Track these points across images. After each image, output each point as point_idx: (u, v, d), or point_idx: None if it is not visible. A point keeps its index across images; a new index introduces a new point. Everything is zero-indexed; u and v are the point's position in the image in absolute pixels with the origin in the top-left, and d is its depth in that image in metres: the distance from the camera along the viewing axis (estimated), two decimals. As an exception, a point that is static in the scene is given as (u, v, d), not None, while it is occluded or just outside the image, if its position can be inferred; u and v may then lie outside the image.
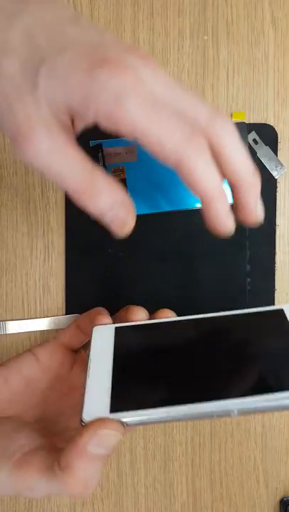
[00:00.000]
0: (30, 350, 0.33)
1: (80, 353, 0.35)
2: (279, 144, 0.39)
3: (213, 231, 0.25)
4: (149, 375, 0.25)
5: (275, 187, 0.40)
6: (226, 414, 0.22)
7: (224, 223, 0.24)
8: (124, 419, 0.23)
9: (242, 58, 0.39)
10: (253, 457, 0.40)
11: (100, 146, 0.37)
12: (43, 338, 0.40)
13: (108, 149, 0.37)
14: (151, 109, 0.22)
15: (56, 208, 0.40)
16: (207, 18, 0.39)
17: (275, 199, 0.40)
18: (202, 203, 0.24)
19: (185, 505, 0.41)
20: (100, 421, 0.23)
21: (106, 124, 0.22)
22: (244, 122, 0.38)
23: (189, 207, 0.38)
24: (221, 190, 0.23)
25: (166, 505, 0.40)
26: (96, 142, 0.38)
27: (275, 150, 0.39)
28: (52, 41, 0.22)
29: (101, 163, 0.37)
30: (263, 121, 0.40)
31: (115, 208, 0.23)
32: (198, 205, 0.37)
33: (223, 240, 0.39)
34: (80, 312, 0.39)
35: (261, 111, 0.40)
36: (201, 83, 0.39)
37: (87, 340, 0.35)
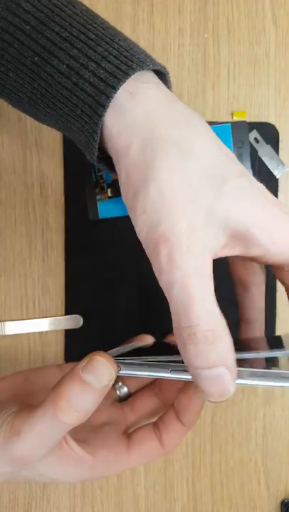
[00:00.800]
0: (59, 365, 0.32)
1: None
2: (280, 142, 0.39)
3: None
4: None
5: (277, 186, 0.39)
6: None
7: None
8: (118, 358, 0.24)
9: (243, 56, 0.39)
10: (254, 459, 0.40)
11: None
12: (42, 339, 0.40)
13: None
14: None
15: (55, 207, 0.39)
16: (208, 15, 0.39)
17: (277, 198, 0.39)
18: None
19: (185, 507, 0.40)
20: (96, 351, 0.24)
21: (278, 259, 0.24)
22: (245, 121, 0.38)
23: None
24: None
25: (166, 508, 0.40)
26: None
27: (276, 149, 0.39)
28: (228, 159, 0.23)
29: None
30: (264, 120, 0.39)
31: (222, 368, 0.21)
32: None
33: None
34: (80, 312, 0.39)
35: (262, 109, 0.39)
36: (202, 81, 0.39)
37: None
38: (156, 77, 0.25)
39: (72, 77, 0.23)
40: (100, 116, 0.23)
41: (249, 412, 0.40)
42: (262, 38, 0.39)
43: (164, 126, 0.23)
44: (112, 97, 0.23)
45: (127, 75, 0.23)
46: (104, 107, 0.23)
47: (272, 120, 0.39)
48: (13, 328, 0.39)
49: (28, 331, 0.39)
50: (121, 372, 0.24)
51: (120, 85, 0.23)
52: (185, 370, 0.22)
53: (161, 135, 0.23)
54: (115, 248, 0.39)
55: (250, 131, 0.38)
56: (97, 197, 0.37)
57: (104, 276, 0.39)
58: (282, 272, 0.26)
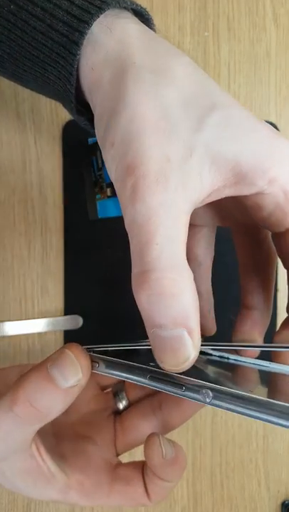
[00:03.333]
0: (23, 365, 0.30)
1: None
2: (281, 142, 0.39)
3: None
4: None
5: (277, 186, 0.39)
6: None
7: None
8: (93, 354, 0.22)
9: (243, 55, 0.39)
10: (255, 460, 0.40)
11: (98, 144, 0.37)
12: (41, 340, 0.39)
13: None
14: None
15: (54, 207, 0.39)
16: (208, 14, 0.39)
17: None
18: None
19: (186, 508, 0.40)
20: (72, 343, 0.21)
21: (275, 202, 0.20)
22: (245, 120, 0.38)
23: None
24: None
25: (166, 509, 0.40)
26: (94, 140, 0.37)
27: (276, 148, 0.39)
28: (216, 88, 0.20)
29: (99, 161, 0.37)
30: (264, 119, 0.39)
31: (179, 328, 0.18)
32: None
33: (223, 240, 0.39)
34: (80, 313, 0.39)
35: (263, 108, 0.39)
36: (202, 80, 0.39)
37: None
38: (139, 20, 0.22)
39: (47, 19, 0.22)
40: (75, 55, 0.21)
41: (249, 413, 0.40)
42: (262, 37, 0.39)
43: (141, 54, 0.20)
44: (85, 33, 0.21)
45: (101, 9, 0.21)
46: (78, 44, 0.21)
47: (272, 119, 0.39)
48: (12, 328, 0.39)
49: (27, 332, 0.39)
50: (97, 369, 0.22)
51: (94, 20, 0.21)
52: (167, 380, 0.20)
53: (136, 62, 0.20)
54: (115, 248, 0.38)
55: (250, 130, 0.38)
56: (97, 196, 0.37)
57: (104, 277, 0.39)
58: (283, 238, 0.22)
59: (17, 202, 0.39)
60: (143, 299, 0.17)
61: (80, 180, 0.36)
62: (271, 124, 0.39)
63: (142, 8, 0.23)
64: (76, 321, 0.39)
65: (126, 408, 0.27)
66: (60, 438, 0.25)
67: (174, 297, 0.17)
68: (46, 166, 0.39)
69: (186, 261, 0.18)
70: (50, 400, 0.20)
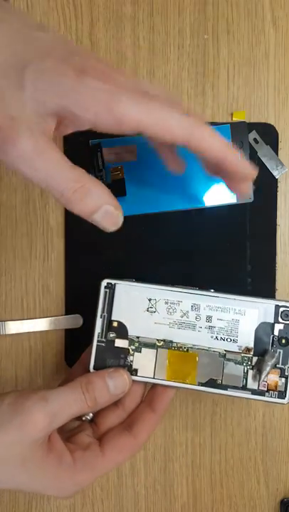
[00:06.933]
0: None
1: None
2: (280, 143, 0.39)
3: (238, 188, 0.29)
4: None
5: (276, 186, 0.39)
6: None
7: (245, 171, 0.27)
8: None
9: (242, 57, 0.39)
10: (254, 458, 0.40)
11: (99, 146, 0.37)
12: (42, 339, 0.40)
13: (107, 148, 0.37)
14: (146, 102, 0.23)
15: (56, 207, 0.39)
16: (207, 17, 0.39)
17: (276, 199, 0.39)
18: (220, 163, 0.26)
19: (185, 506, 0.40)
20: (120, 369, 0.31)
21: (108, 125, 0.23)
22: (244, 122, 0.38)
23: (189, 207, 0.37)
24: (230, 145, 0.27)
25: (166, 507, 0.40)
26: (95, 141, 0.37)
27: (275, 149, 0.39)
28: (29, 46, 0.23)
29: (100, 163, 0.37)
30: (263, 121, 0.39)
31: (105, 206, 0.25)
32: (199, 206, 0.37)
33: (223, 240, 0.39)
34: (80, 312, 0.39)
35: (262, 110, 0.39)
36: (202, 82, 0.39)
37: None
38: None
39: None
40: None
41: (249, 412, 0.40)
42: (261, 39, 0.39)
43: None
44: None
45: None
46: None
47: (271, 121, 0.39)
48: (14, 327, 0.39)
49: (28, 331, 0.39)
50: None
51: None
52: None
53: None
54: (115, 248, 0.39)
55: (249, 131, 0.38)
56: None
57: (105, 276, 0.39)
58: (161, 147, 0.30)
59: (19, 203, 0.39)
60: (77, 208, 0.25)
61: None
62: (270, 125, 0.39)
63: None
64: (77, 320, 0.39)
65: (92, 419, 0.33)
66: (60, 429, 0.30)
67: (89, 193, 0.25)
68: (48, 167, 0.39)
69: (73, 166, 0.24)
70: (104, 399, 0.29)
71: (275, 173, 0.39)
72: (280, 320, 0.30)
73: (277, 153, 0.39)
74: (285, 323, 0.30)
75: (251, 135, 0.39)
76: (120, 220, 0.27)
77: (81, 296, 0.39)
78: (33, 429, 0.27)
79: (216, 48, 0.39)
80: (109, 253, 0.39)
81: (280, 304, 0.30)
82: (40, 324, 0.39)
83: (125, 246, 0.38)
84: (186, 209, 0.37)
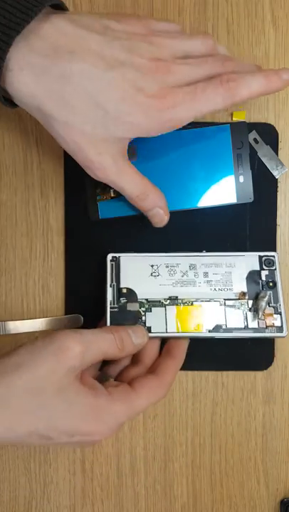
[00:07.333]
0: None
1: None
2: (280, 143, 0.39)
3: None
4: None
5: (276, 186, 0.39)
6: None
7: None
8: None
9: (242, 57, 0.39)
10: (254, 458, 0.40)
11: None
12: (42, 339, 0.40)
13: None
14: (191, 99, 0.30)
15: (56, 207, 0.39)
16: (207, 17, 0.39)
17: (276, 199, 0.39)
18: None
19: (185, 506, 0.40)
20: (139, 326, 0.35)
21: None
22: (244, 122, 0.38)
23: (189, 207, 0.37)
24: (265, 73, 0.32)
25: (166, 507, 0.40)
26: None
27: (275, 149, 0.39)
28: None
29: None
30: (263, 121, 0.39)
31: (156, 208, 0.33)
32: (199, 205, 0.37)
33: (223, 240, 0.39)
34: (80, 312, 0.39)
35: (262, 110, 0.39)
36: (202, 82, 0.39)
37: None
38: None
39: None
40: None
41: (249, 412, 0.40)
42: (261, 39, 0.39)
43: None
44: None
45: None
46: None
47: (271, 121, 0.39)
48: (14, 327, 0.39)
49: (28, 331, 0.39)
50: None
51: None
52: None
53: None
54: (115, 248, 0.39)
55: (249, 131, 0.38)
56: (98, 197, 0.37)
57: (104, 276, 0.39)
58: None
59: (19, 203, 0.39)
60: (142, 208, 0.34)
61: (82, 181, 0.37)
62: (270, 125, 0.39)
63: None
64: (77, 320, 0.39)
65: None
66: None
67: (147, 198, 0.33)
68: (48, 167, 0.39)
69: (141, 176, 0.32)
70: (127, 348, 0.32)
71: (275, 173, 0.39)
72: (264, 267, 0.36)
73: (277, 153, 0.39)
74: (269, 269, 0.36)
75: (251, 135, 0.39)
76: (165, 220, 0.34)
77: (81, 296, 0.39)
78: (68, 355, 0.28)
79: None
80: (109, 253, 0.39)
81: (262, 254, 0.37)
82: (40, 324, 0.39)
83: (125, 246, 0.38)
84: (186, 209, 0.37)
